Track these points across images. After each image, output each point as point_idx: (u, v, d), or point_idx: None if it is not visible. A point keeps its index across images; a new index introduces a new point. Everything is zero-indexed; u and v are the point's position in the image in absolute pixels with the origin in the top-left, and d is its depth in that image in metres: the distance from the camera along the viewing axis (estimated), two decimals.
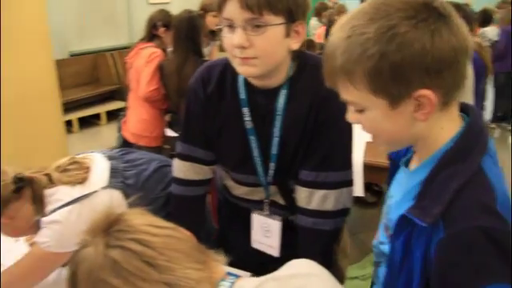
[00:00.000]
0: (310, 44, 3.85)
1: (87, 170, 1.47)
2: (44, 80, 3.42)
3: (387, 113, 0.80)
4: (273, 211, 1.42)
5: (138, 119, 3.21)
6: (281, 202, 1.42)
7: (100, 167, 1.49)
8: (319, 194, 1.29)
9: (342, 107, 0.89)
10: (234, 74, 1.28)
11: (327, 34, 5.45)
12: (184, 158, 1.44)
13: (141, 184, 1.52)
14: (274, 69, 1.21)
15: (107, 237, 0.76)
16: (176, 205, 1.50)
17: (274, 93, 1.27)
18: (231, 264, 0.92)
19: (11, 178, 1.37)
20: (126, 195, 1.45)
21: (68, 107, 5.96)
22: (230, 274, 0.83)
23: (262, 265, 1.39)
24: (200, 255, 0.80)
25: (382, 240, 0.97)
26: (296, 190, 1.34)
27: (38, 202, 1.41)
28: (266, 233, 1.43)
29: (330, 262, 1.33)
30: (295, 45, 1.20)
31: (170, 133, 3.18)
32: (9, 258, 1.60)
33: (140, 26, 3.49)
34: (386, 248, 0.93)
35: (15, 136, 3.23)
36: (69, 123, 6.08)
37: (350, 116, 0.88)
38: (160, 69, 3.04)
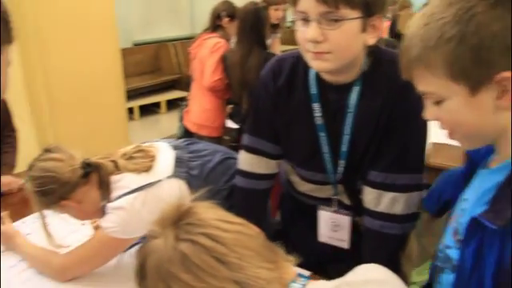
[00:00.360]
0: None
1: (152, 158, 1.48)
2: (110, 68, 3.51)
3: (468, 100, 0.75)
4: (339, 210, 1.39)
5: (201, 109, 3.24)
6: (346, 201, 1.38)
7: (165, 156, 1.50)
8: (388, 196, 1.24)
9: (420, 102, 0.85)
10: (306, 68, 1.24)
11: (392, 28, 5.30)
12: (251, 150, 1.42)
13: (205, 175, 1.52)
14: (348, 64, 1.16)
15: (177, 229, 0.74)
16: (239, 198, 1.49)
17: (346, 89, 1.23)
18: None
19: (79, 162, 1.41)
20: (190, 186, 1.45)
21: (129, 95, 6.11)
22: (300, 275, 0.81)
23: (320, 264, 1.37)
24: (271, 254, 0.78)
25: (448, 244, 0.92)
26: (364, 190, 1.30)
27: (104, 188, 1.43)
28: (334, 227, 1.40)
29: (396, 268, 1.27)
30: (371, 40, 1.14)
31: (230, 124, 3.20)
32: (74, 238, 1.66)
33: (202, 17, 3.52)
34: (452, 253, 0.88)
35: (82, 121, 3.34)
36: (130, 111, 6.25)
37: (428, 112, 0.83)
38: (223, 60, 3.05)
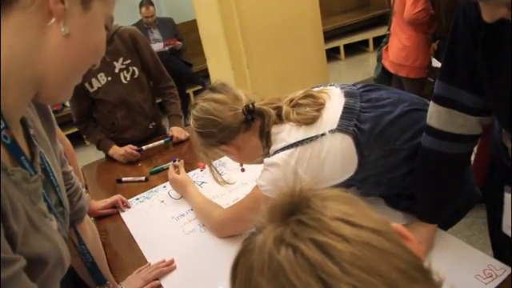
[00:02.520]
0: None
1: (320, 106, 1.26)
2: (307, 6, 3.31)
3: None
4: None
5: (400, 46, 2.86)
6: None
7: (334, 105, 1.25)
8: None
9: None
10: None
11: None
12: (441, 101, 1.07)
13: (379, 130, 1.20)
14: None
15: (283, 227, 0.50)
16: (422, 161, 1.17)
17: None
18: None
19: (243, 107, 1.28)
20: (358, 143, 1.18)
21: (335, 34, 5.88)
22: None
23: None
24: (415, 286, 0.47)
25: None
26: None
27: (265, 138, 1.29)
28: None
29: None
30: None
31: (436, 63, 2.71)
32: (241, 191, 1.63)
33: None
34: None
35: (279, 63, 3.26)
36: (336, 50, 6.03)
37: None
38: None
